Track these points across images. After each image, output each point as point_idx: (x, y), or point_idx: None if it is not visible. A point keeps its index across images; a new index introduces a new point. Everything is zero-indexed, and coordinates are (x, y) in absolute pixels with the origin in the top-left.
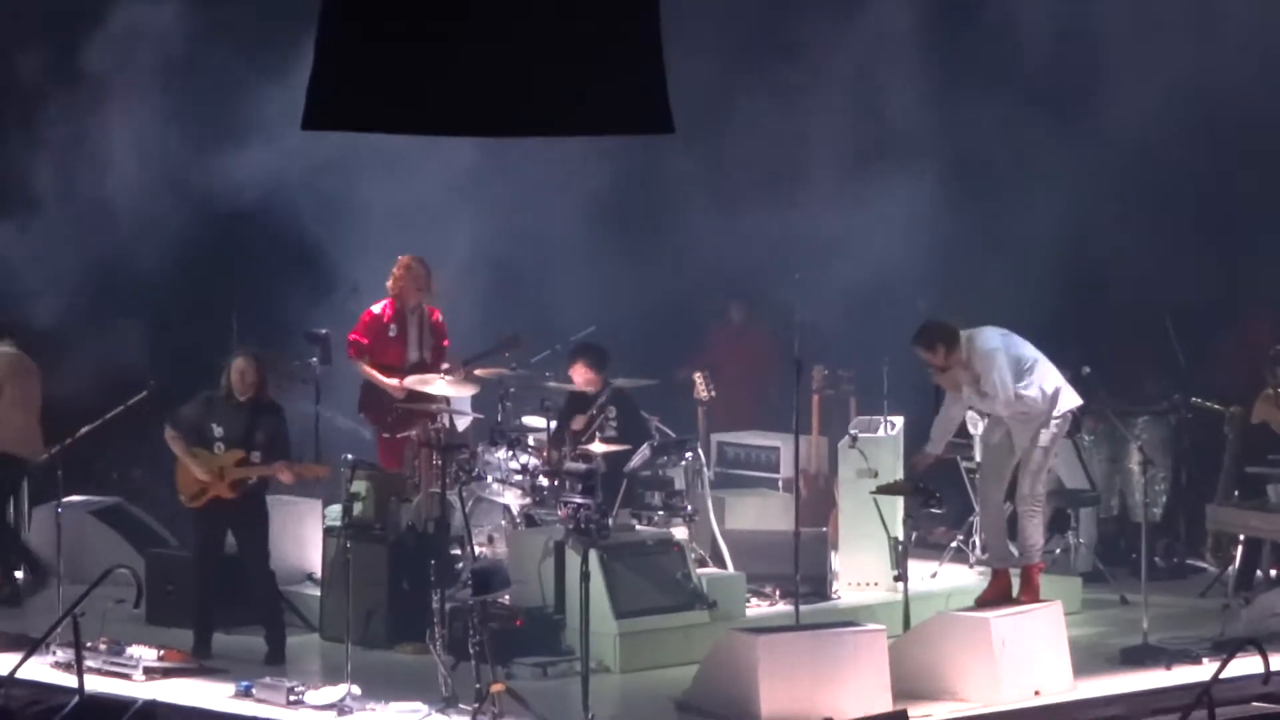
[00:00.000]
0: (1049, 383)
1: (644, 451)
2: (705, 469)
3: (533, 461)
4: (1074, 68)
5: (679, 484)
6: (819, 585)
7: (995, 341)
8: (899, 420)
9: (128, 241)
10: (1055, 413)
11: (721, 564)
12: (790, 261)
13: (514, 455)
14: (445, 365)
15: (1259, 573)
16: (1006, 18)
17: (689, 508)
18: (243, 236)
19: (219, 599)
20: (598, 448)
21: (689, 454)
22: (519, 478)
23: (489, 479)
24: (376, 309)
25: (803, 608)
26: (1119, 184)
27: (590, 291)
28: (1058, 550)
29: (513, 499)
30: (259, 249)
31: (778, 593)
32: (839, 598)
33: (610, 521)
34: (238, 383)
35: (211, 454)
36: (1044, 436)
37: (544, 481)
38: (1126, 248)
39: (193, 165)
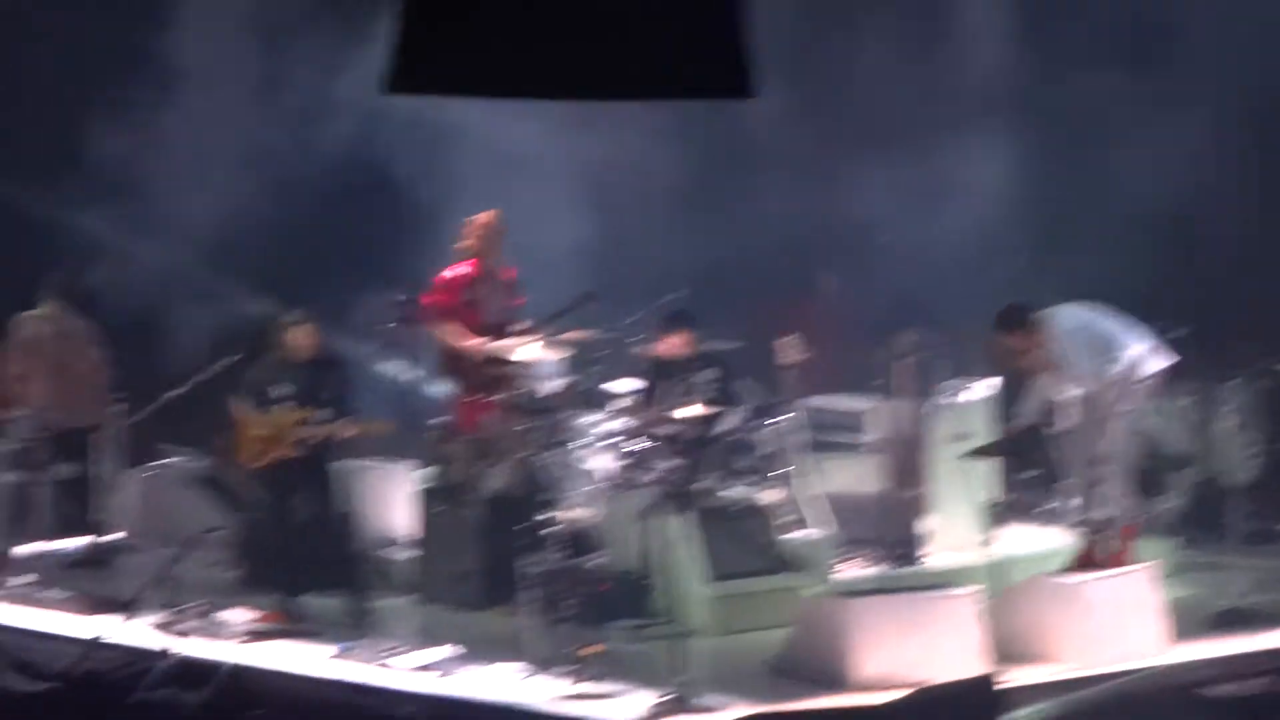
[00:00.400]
0: (1135, 349)
1: (739, 414)
2: (798, 432)
3: (625, 425)
4: (1180, 27)
5: (769, 448)
6: (912, 548)
7: (1075, 321)
8: (991, 383)
9: (225, 206)
10: (1143, 376)
11: (815, 527)
12: (882, 221)
13: (606, 419)
14: (521, 326)
15: None
16: None
17: (782, 471)
18: (335, 197)
19: (311, 562)
20: (693, 411)
21: (784, 417)
22: (611, 441)
23: (580, 443)
24: (454, 271)
25: (896, 571)
26: (1215, 145)
27: (681, 249)
28: (1151, 513)
29: (604, 463)
30: (350, 208)
31: (871, 556)
32: (932, 561)
33: (702, 485)
34: (297, 346)
35: (277, 414)
36: (1131, 399)
37: (636, 445)
38: (1221, 210)
39: (282, 125)
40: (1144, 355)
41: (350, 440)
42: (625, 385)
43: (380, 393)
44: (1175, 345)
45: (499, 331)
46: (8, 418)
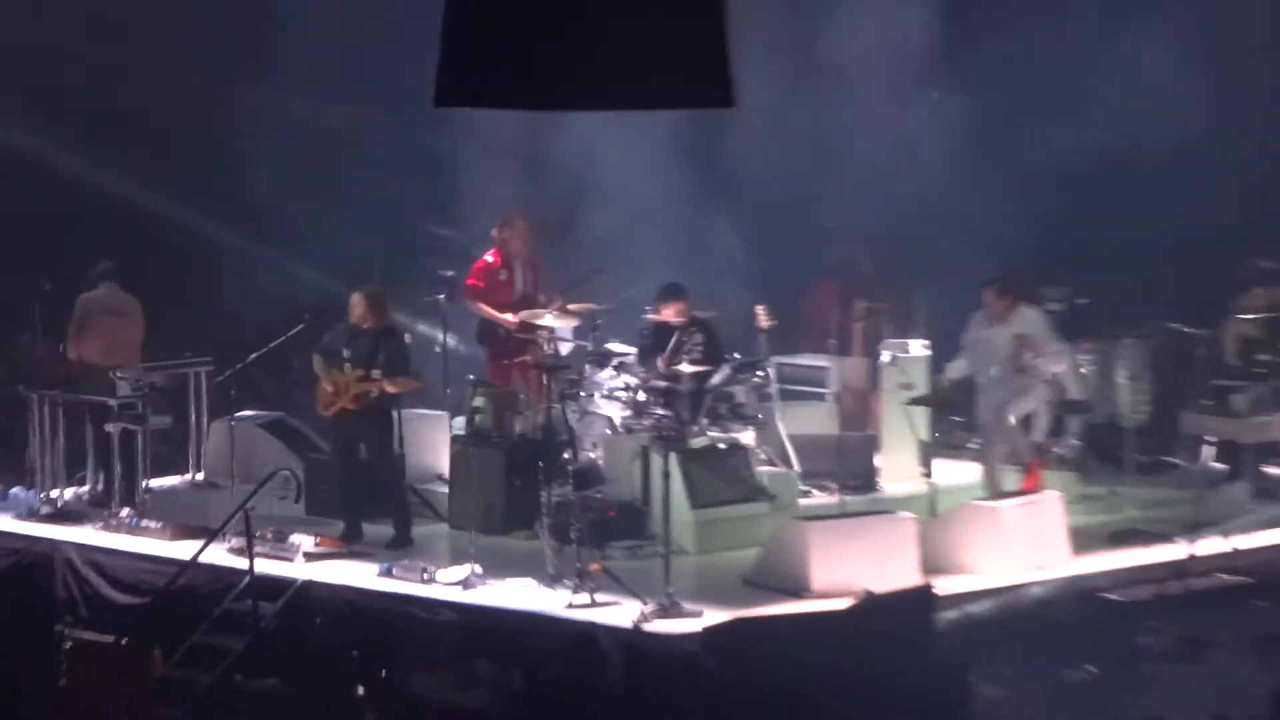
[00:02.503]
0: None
1: (725, 371)
2: (773, 385)
3: (627, 380)
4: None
5: (746, 398)
6: (868, 480)
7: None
8: (925, 343)
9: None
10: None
11: (789, 464)
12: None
13: (617, 374)
14: (543, 298)
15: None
16: None
17: (760, 417)
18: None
19: (365, 494)
20: (684, 368)
21: (761, 373)
22: (623, 394)
23: (595, 395)
24: (489, 258)
25: (852, 498)
26: (1114, 142)
27: (676, 235)
28: (1058, 450)
29: (615, 412)
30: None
31: (836, 487)
32: (883, 491)
33: (696, 429)
34: (353, 314)
35: (341, 373)
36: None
37: (636, 397)
38: (1119, 193)
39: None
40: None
41: (396, 395)
42: (625, 347)
43: (426, 353)
44: (1081, 310)
45: (524, 303)
46: (114, 378)
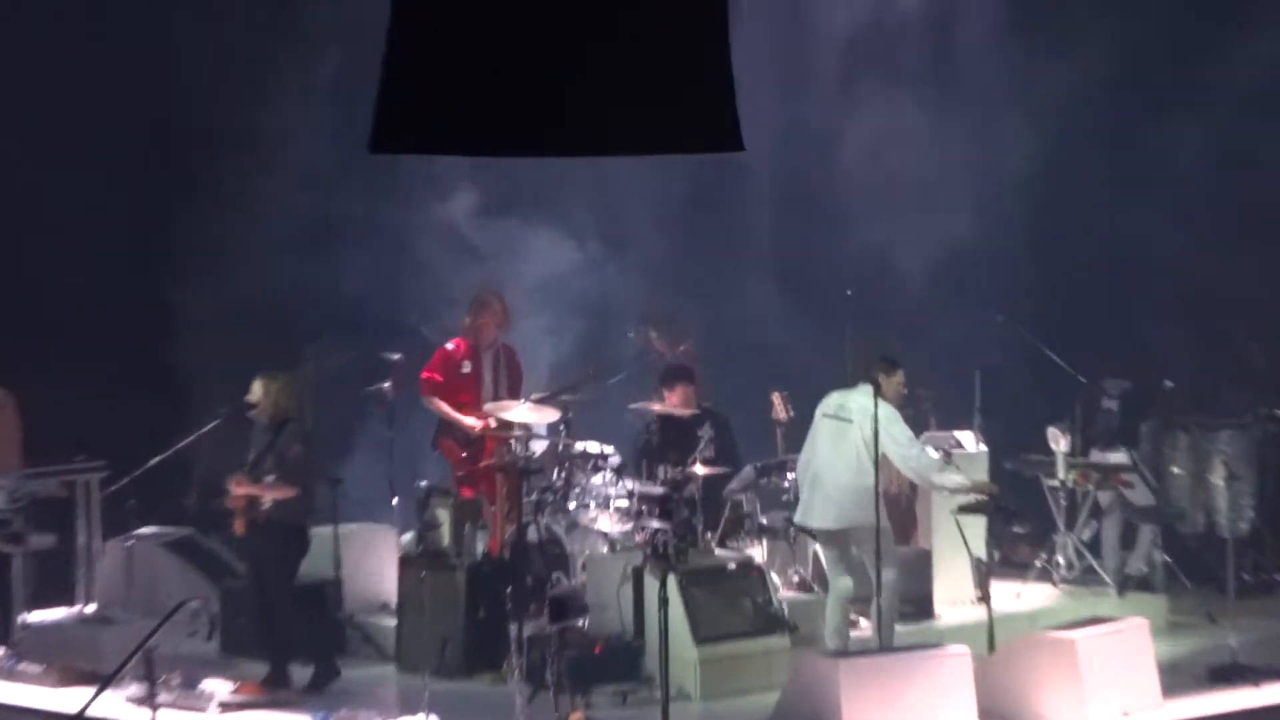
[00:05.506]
0: None
1: (747, 474)
2: (789, 489)
3: (615, 486)
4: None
5: (745, 506)
6: (923, 604)
7: None
8: (967, 435)
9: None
10: None
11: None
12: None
13: (617, 479)
14: (530, 396)
15: None
16: None
17: (793, 532)
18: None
19: (289, 630)
20: (699, 470)
21: (790, 475)
22: (624, 503)
23: (592, 505)
24: (451, 346)
25: (904, 628)
26: (1193, 207)
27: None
28: (1139, 568)
29: (609, 524)
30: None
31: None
32: (941, 617)
33: (693, 544)
34: (257, 405)
35: (241, 479)
36: None
37: (627, 505)
38: (1207, 264)
39: None
40: None
41: (304, 505)
42: (604, 446)
43: (367, 453)
44: (1166, 396)
45: (494, 400)
46: None
